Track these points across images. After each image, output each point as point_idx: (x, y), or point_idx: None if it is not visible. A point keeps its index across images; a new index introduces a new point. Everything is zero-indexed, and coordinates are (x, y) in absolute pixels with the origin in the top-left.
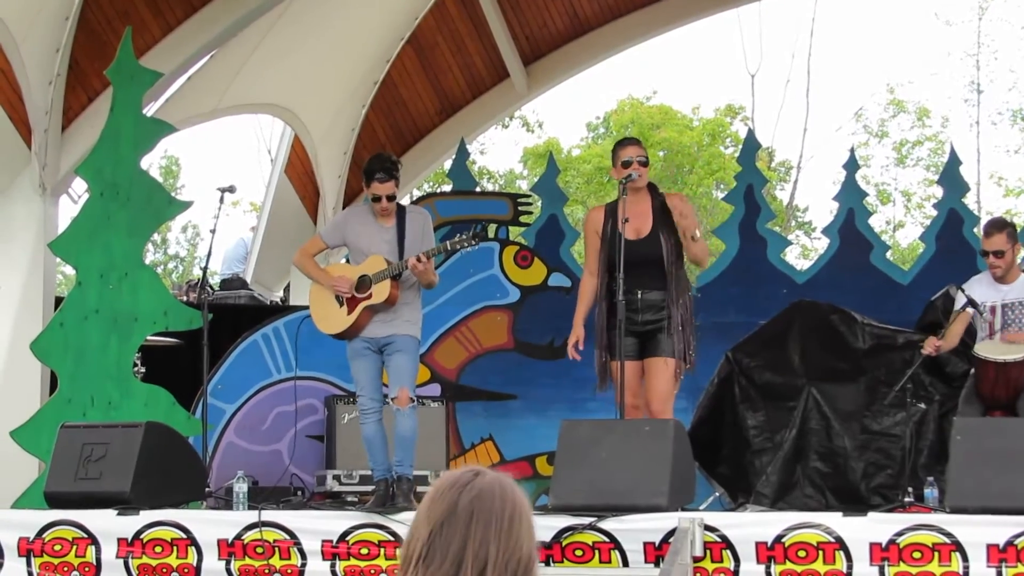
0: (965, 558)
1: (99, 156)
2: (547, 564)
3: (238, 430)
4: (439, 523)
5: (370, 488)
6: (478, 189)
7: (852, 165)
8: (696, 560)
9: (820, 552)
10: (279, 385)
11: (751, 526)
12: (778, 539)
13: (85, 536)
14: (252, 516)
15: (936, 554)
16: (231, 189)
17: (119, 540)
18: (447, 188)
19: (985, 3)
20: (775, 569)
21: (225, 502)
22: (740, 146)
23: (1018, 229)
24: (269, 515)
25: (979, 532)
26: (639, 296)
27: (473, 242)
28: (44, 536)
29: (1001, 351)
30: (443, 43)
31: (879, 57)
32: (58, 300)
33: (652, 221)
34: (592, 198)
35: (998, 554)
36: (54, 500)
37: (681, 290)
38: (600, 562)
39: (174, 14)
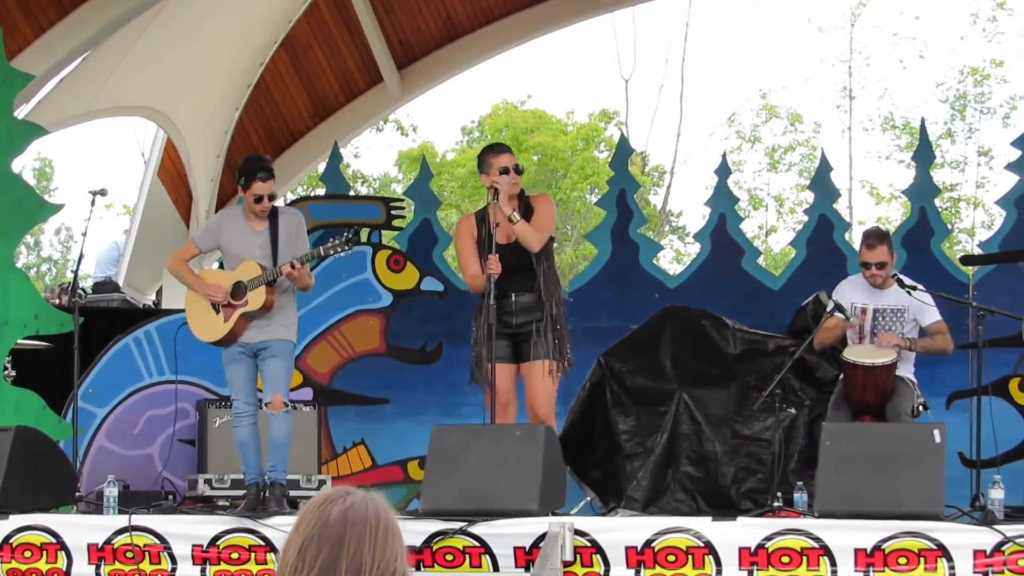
0: (833, 562)
1: None
2: (418, 569)
3: (109, 434)
4: (310, 537)
5: (242, 492)
6: (352, 193)
7: (724, 170)
8: (566, 565)
9: (689, 556)
10: (151, 389)
11: (621, 531)
12: (648, 544)
13: None
14: (122, 520)
15: (804, 558)
16: (102, 192)
17: None
18: (320, 192)
19: (857, 10)
20: (645, 573)
21: (96, 506)
22: (613, 151)
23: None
24: (139, 519)
25: (847, 537)
26: (513, 299)
27: (346, 247)
28: None
29: (869, 355)
30: (317, 46)
31: (752, 63)
32: None
33: None
34: (466, 202)
35: (866, 559)
36: None
37: (552, 289)
38: (471, 567)
39: (46, 16)
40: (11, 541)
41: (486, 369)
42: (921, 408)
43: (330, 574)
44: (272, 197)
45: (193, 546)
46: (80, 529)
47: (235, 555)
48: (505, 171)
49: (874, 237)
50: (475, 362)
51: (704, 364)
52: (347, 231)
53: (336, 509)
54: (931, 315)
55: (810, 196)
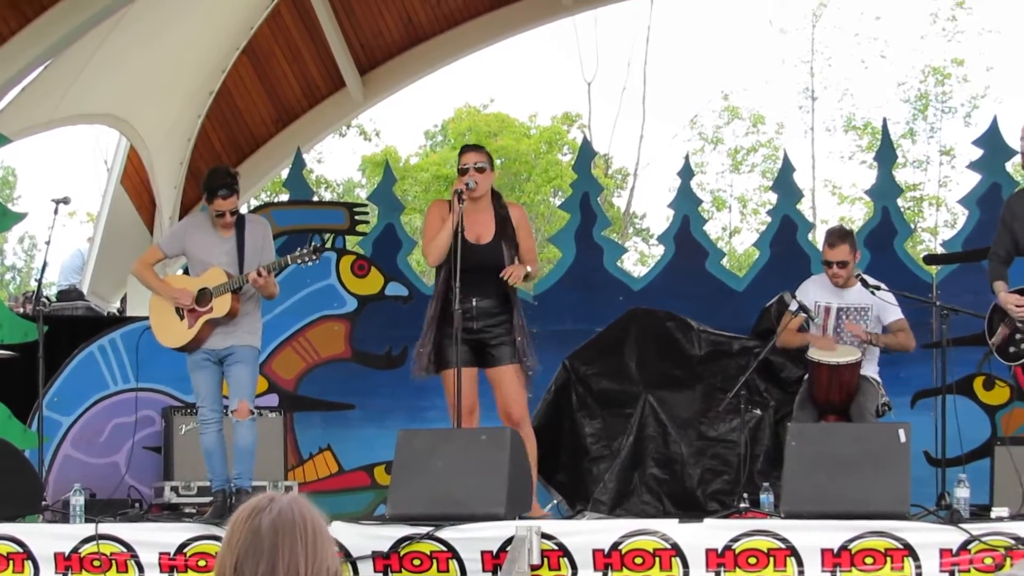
0: (800, 563)
1: None
2: (385, 574)
3: (75, 442)
4: (244, 549)
5: (208, 499)
6: (315, 198)
7: (687, 172)
8: (534, 568)
9: (657, 559)
10: (116, 397)
11: (588, 533)
12: (615, 546)
13: None
14: (89, 529)
15: (771, 559)
16: (65, 200)
17: None
18: (284, 198)
19: (818, 11)
20: None
21: (62, 515)
22: (576, 154)
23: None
24: (106, 528)
25: (814, 537)
26: (474, 304)
27: (313, 257)
28: None
29: (834, 354)
30: (279, 52)
31: (714, 65)
32: None
33: (494, 229)
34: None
35: (832, 559)
36: None
37: (516, 298)
38: (438, 571)
39: (7, 24)
40: None
41: (445, 376)
42: (885, 408)
43: None
44: (234, 212)
45: (160, 554)
46: (47, 538)
47: (202, 562)
48: (463, 171)
49: (836, 236)
50: (417, 358)
51: (669, 366)
52: (314, 240)
53: (265, 519)
54: (893, 313)
55: (773, 197)
